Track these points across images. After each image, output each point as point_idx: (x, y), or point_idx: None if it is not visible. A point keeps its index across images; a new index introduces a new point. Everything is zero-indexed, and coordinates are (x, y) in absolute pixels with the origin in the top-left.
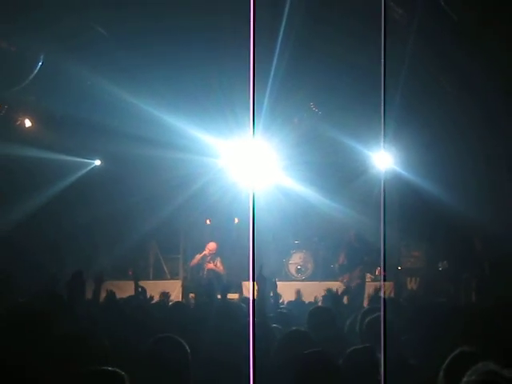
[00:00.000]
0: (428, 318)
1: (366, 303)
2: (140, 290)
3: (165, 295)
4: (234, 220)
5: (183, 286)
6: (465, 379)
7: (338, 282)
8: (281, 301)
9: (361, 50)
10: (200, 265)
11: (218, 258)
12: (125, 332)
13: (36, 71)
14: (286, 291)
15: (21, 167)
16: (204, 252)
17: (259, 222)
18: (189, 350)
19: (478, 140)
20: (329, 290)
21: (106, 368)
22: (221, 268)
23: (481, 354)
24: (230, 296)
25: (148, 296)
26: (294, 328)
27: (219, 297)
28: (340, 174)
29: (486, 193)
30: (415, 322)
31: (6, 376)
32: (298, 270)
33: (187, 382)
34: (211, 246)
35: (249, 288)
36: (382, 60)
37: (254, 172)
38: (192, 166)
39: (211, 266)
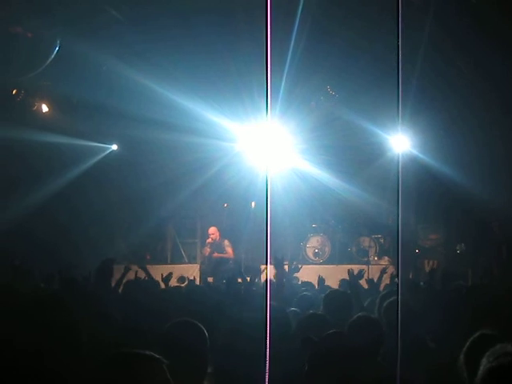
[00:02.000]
0: (446, 300)
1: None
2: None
3: (182, 279)
4: (251, 204)
5: (201, 270)
6: (484, 360)
7: (355, 265)
8: (299, 283)
9: (377, 33)
10: (212, 252)
11: (225, 241)
12: (143, 316)
13: (52, 56)
14: (304, 275)
15: (37, 152)
16: (207, 240)
17: (276, 206)
18: (207, 334)
19: (495, 123)
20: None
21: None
22: (229, 251)
23: (501, 336)
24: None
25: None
26: (310, 311)
27: (238, 281)
28: (357, 157)
29: (503, 176)
30: (433, 305)
31: (26, 360)
32: (315, 254)
33: (205, 365)
34: (212, 230)
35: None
36: (398, 43)
37: (271, 156)
38: (209, 150)
39: (216, 255)
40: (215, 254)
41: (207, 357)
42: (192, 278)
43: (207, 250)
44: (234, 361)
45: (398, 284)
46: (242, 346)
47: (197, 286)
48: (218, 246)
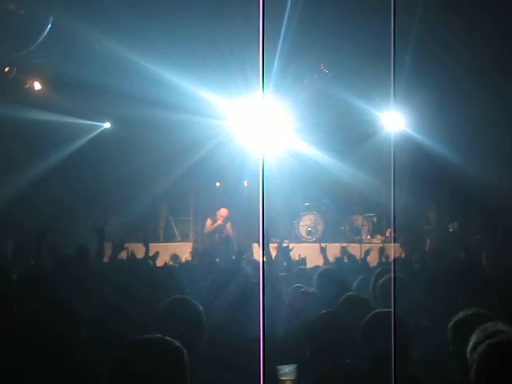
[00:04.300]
0: (439, 279)
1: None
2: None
3: (175, 257)
4: (243, 182)
5: (194, 249)
6: (474, 337)
7: (348, 244)
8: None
9: (371, 11)
10: (213, 231)
11: (229, 223)
12: (137, 293)
13: (45, 34)
14: (297, 253)
15: (30, 130)
16: (218, 221)
17: (269, 185)
18: (203, 311)
19: (489, 101)
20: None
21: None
22: (231, 231)
23: (493, 315)
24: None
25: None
26: (302, 289)
27: (231, 259)
28: (350, 135)
29: (497, 154)
30: (426, 284)
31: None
32: (308, 232)
33: (200, 343)
34: (223, 212)
35: (259, 250)
36: (392, 20)
37: (264, 134)
38: (202, 129)
39: (226, 231)
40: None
41: (204, 334)
42: (185, 256)
43: (210, 228)
44: (228, 340)
45: (392, 262)
46: (235, 324)
47: (190, 264)
48: (222, 226)
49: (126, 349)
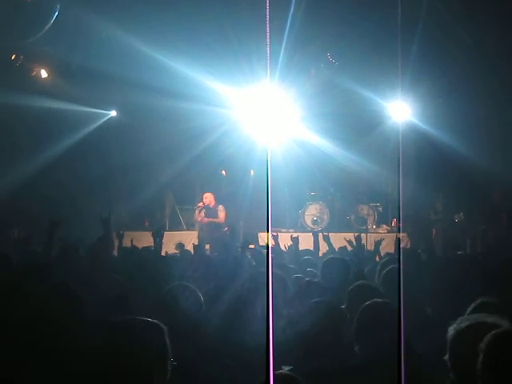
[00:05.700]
0: (445, 269)
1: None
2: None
3: (180, 246)
4: (249, 171)
5: (199, 237)
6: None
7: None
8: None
9: (378, 0)
10: (204, 217)
11: (219, 207)
12: (142, 280)
13: (52, 21)
14: (302, 242)
15: (36, 118)
16: (199, 204)
17: (275, 174)
18: (202, 297)
19: (496, 91)
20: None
21: (146, 319)
22: (222, 216)
23: (500, 304)
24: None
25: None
26: (306, 279)
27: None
28: (357, 124)
29: (503, 144)
30: (432, 274)
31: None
32: (314, 221)
33: (200, 328)
34: (206, 195)
35: (265, 239)
36: (399, 9)
37: (271, 123)
38: (209, 117)
39: (207, 220)
40: (205, 219)
41: (202, 320)
42: (190, 244)
43: (198, 214)
44: (235, 328)
45: (399, 252)
46: (242, 312)
47: (194, 252)
48: (211, 212)
49: (107, 331)
